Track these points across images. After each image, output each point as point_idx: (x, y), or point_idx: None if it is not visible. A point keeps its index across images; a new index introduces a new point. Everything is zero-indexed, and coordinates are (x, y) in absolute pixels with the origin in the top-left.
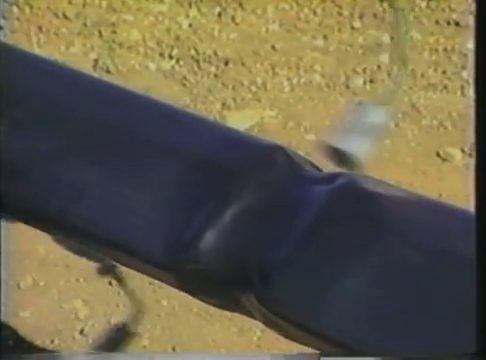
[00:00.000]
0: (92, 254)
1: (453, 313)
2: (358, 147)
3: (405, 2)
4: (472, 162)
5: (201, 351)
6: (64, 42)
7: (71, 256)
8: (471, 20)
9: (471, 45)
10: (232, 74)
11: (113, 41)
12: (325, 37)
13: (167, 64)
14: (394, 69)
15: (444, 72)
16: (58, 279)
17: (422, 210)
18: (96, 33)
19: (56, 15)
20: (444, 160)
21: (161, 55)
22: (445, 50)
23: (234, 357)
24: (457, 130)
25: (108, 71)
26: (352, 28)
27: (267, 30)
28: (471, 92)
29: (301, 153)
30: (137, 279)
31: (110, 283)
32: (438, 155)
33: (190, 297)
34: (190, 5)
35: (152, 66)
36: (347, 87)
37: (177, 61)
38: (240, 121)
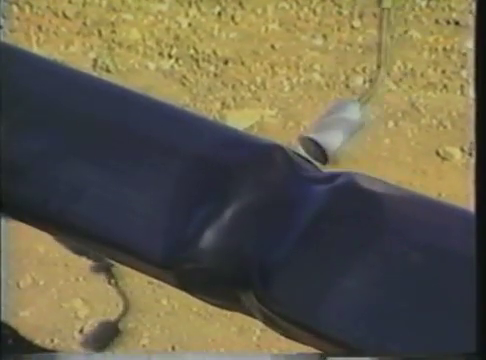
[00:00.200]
0: (91, 253)
1: (453, 312)
2: (333, 141)
3: (392, 2)
4: (472, 161)
5: (200, 350)
6: (64, 41)
7: (71, 255)
8: (471, 19)
9: (471, 44)
10: (232, 73)
11: (113, 40)
12: (325, 36)
13: (167, 63)
14: (374, 68)
15: (444, 71)
16: (58, 278)
17: (422, 209)
18: (96, 32)
19: (56, 14)
20: (444, 159)
21: (161, 54)
22: (445, 49)
23: (234, 357)
24: (457, 129)
25: (108, 70)
26: (352, 27)
27: (267, 29)
28: (471, 91)
29: (300, 147)
30: (136, 278)
31: (109, 282)
32: (438, 154)
33: (190, 296)
34: (190, 4)
35: (152, 65)
36: (347, 86)
37: (177, 60)
38: (240, 120)
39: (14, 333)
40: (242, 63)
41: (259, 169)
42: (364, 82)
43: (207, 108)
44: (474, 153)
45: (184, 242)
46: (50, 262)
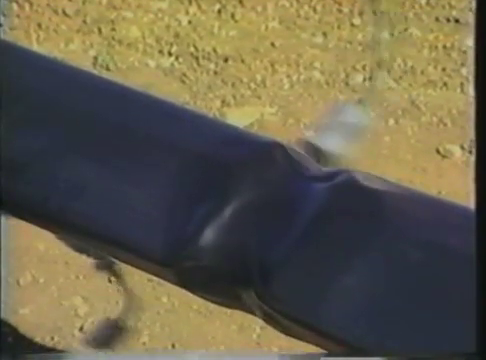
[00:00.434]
0: (91, 251)
1: (453, 310)
2: (334, 145)
3: (386, 4)
4: (472, 159)
5: (200, 348)
6: (63, 39)
7: (71, 253)
8: (471, 17)
9: (471, 42)
10: (232, 71)
11: (112, 38)
12: (325, 34)
13: (167, 61)
14: (372, 70)
15: (444, 69)
16: (58, 276)
17: (422, 207)
18: (96, 30)
19: (55, 12)
20: (444, 157)
21: (160, 52)
22: (445, 47)
23: (241, 357)
24: (457, 127)
25: (107, 68)
26: (352, 25)
27: (267, 27)
28: (471, 89)
29: (300, 150)
30: (136, 276)
31: (110, 280)
32: (438, 152)
33: (190, 294)
34: (190, 2)
35: (151, 63)
36: (347, 84)
37: (176, 58)
38: (240, 118)
39: (14, 331)
40: (242, 61)
41: (259, 167)
42: (364, 80)
43: (207, 106)
44: (474, 151)
45: (184, 240)
46: (50, 260)
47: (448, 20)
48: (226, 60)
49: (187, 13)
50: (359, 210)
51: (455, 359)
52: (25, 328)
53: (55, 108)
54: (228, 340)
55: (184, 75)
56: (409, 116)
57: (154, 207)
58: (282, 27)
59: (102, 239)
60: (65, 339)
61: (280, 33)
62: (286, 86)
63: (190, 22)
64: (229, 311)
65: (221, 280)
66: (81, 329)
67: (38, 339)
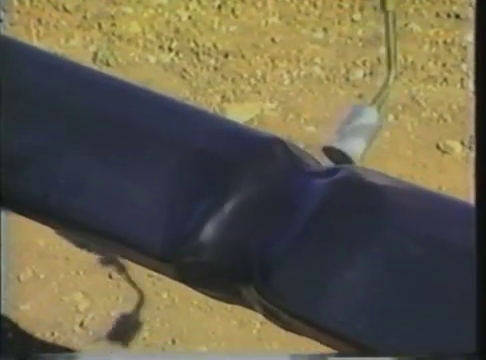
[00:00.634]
0: (92, 247)
1: (453, 305)
2: (357, 149)
3: (396, 4)
4: (472, 155)
5: (201, 343)
6: (64, 35)
7: (71, 249)
8: (471, 12)
9: (471, 38)
10: (232, 67)
11: (113, 34)
12: (325, 30)
13: (167, 57)
14: (375, 61)
15: (444, 65)
16: (58, 272)
17: (422, 202)
18: (96, 26)
19: (56, 8)
20: (444, 152)
21: (161, 48)
22: (445, 43)
23: (253, 357)
24: (457, 123)
25: (108, 64)
26: (352, 21)
27: (267, 23)
28: (471, 85)
29: (301, 145)
30: (136, 272)
31: (110, 276)
32: (438, 147)
33: (190, 290)
34: None
35: (152, 59)
36: (347, 80)
37: (177, 54)
38: (240, 114)
39: (14, 327)
40: (242, 56)
41: (259, 162)
42: (364, 75)
43: (207, 101)
44: (474, 146)
45: (184, 235)
46: (50, 256)
47: (448, 15)
48: (226, 55)
49: (187, 8)
50: (360, 205)
51: (455, 359)
52: (25, 324)
53: (55, 104)
54: (228, 335)
55: (184, 70)
56: (409, 112)
57: (154, 203)
58: (282, 22)
59: (102, 235)
60: (65, 335)
61: (280, 28)
62: (286, 82)
63: (190, 17)
64: (229, 306)
65: (221, 275)
66: (81, 325)
67: (38, 335)
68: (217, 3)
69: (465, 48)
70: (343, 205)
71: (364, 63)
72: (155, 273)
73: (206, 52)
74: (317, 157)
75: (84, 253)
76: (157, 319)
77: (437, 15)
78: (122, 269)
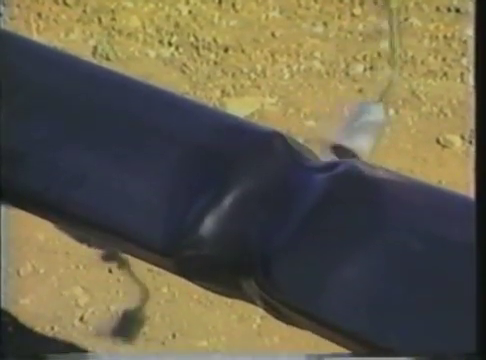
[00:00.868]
0: (92, 241)
1: (453, 299)
2: (364, 145)
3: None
4: (472, 149)
5: (201, 338)
6: (63, 29)
7: (71, 243)
8: (471, 7)
9: (471, 32)
10: (232, 61)
11: (113, 28)
12: (325, 24)
13: (167, 51)
14: (375, 56)
15: (444, 59)
16: (58, 266)
17: (422, 196)
18: (96, 20)
19: (56, 2)
20: (444, 147)
21: (161, 42)
22: (445, 37)
23: (268, 357)
24: (457, 117)
25: (107, 58)
26: (352, 15)
27: (267, 17)
28: (471, 79)
29: (301, 140)
30: (137, 266)
31: (110, 270)
32: (438, 142)
33: (190, 284)
34: None
35: (152, 53)
36: (347, 74)
37: (177, 48)
38: (240, 108)
39: (14, 321)
40: (242, 51)
41: (259, 156)
42: (364, 70)
43: (207, 96)
44: (474, 141)
45: (184, 229)
46: (50, 250)
47: (449, 10)
48: (226, 50)
49: (187, 3)
50: (360, 200)
51: (455, 359)
52: (25, 318)
53: (55, 98)
54: (228, 330)
55: (184, 65)
56: (409, 106)
57: (154, 197)
58: (282, 17)
59: (102, 229)
60: (65, 329)
61: (280, 23)
62: (286, 76)
63: (190, 12)
64: (229, 301)
65: (221, 269)
66: (81, 319)
67: (38, 329)
68: None
69: (465, 42)
70: (343, 199)
71: (364, 58)
72: (155, 267)
73: (206, 46)
74: (324, 154)
75: (84, 248)
76: (157, 314)
77: (437, 9)
78: (122, 264)
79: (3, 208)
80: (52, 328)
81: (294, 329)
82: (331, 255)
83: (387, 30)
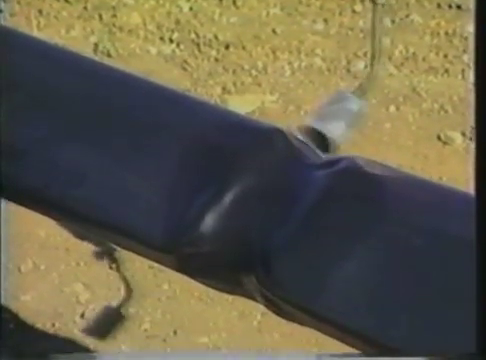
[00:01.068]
0: (92, 238)
1: (454, 296)
2: (335, 130)
3: None
4: (473, 146)
5: (202, 335)
6: (64, 25)
7: (72, 240)
8: (472, 3)
9: (472, 28)
10: (233, 58)
11: (113, 25)
12: (326, 21)
13: (168, 48)
14: (369, 61)
15: (445, 56)
16: (59, 263)
17: (423, 193)
18: (96, 17)
19: None
20: (445, 143)
21: (161, 39)
22: (446, 33)
23: (279, 357)
24: (458, 114)
25: (108, 55)
26: (353, 12)
27: (268, 14)
28: (472, 76)
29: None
30: (138, 263)
31: (111, 267)
32: (439, 138)
33: (191, 281)
34: None
35: (153, 50)
36: (348, 71)
37: (177, 45)
38: (241, 105)
39: (15, 317)
40: (243, 48)
41: (260, 153)
42: (365, 66)
43: (208, 93)
44: (474, 137)
45: (185, 226)
46: (51, 247)
47: (450, 6)
48: (227, 47)
49: (188, 0)
50: (360, 196)
51: (455, 359)
52: (26, 314)
53: (56, 94)
54: (229, 326)
55: (185, 62)
56: (410, 103)
57: (155, 193)
58: (283, 14)
59: (103, 226)
60: (66, 326)
61: (281, 20)
62: (287, 73)
63: (191, 9)
64: (230, 298)
65: (222, 266)
66: (82, 316)
67: (39, 325)
68: None
69: (466, 39)
70: (344, 196)
71: (365, 54)
72: (156, 264)
73: (207, 43)
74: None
75: (85, 244)
76: (158, 310)
77: (438, 6)
78: (120, 262)
79: (4, 205)
80: (53, 325)
81: (295, 326)
82: (332, 252)
83: (388, 27)
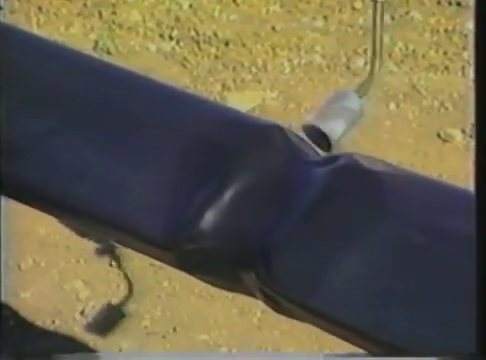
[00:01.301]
0: (92, 235)
1: (453, 293)
2: (336, 129)
3: None
4: (473, 143)
5: (202, 332)
6: (64, 23)
7: (71, 237)
8: (472, 0)
9: (472, 26)
10: (232, 55)
11: (113, 22)
12: (325, 18)
13: (167, 45)
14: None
15: (445, 53)
16: (58, 260)
17: (422, 190)
18: (96, 14)
19: None
20: (445, 141)
21: (161, 36)
22: (446, 31)
23: (286, 357)
24: (458, 111)
25: (108, 52)
26: (353, 9)
27: (268, 11)
28: (472, 73)
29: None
30: (137, 260)
31: (110, 264)
32: (439, 136)
33: (191, 278)
34: None
35: (152, 47)
36: (348, 68)
37: (177, 42)
38: (241, 102)
39: (15, 315)
40: (243, 45)
41: (260, 149)
42: (365, 64)
43: (208, 90)
44: (474, 135)
45: (185, 223)
46: (51, 244)
47: (450, 3)
48: (227, 44)
49: None
50: (360, 193)
51: (455, 359)
52: (26, 312)
53: (56, 91)
54: (229, 324)
55: (185, 59)
56: (410, 100)
57: (154, 190)
58: (283, 11)
59: (103, 222)
60: (66, 323)
61: (281, 17)
62: (287, 70)
63: (191, 6)
64: (230, 295)
65: (222, 263)
66: (82, 313)
67: (39, 323)
68: None
69: (466, 36)
70: (343, 192)
71: (365, 51)
72: (156, 262)
73: (207, 40)
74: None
75: (85, 241)
76: (158, 308)
77: (438, 3)
78: (120, 259)
79: (3, 202)
80: (53, 322)
81: (295, 323)
82: (331, 248)
83: (388, 24)
